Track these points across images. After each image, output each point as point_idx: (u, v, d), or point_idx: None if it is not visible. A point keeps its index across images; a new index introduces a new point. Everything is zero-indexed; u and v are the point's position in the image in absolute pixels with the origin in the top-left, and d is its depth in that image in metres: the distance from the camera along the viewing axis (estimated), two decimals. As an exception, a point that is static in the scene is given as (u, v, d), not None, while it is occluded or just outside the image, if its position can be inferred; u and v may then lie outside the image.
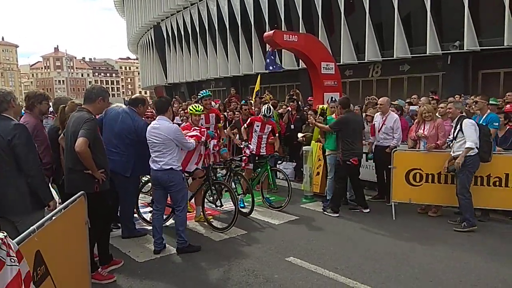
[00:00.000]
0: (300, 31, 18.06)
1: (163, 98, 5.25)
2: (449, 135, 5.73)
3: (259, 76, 12.87)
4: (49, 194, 3.36)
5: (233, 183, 6.45)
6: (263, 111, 6.78)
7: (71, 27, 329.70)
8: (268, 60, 10.45)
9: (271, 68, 10.65)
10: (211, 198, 6.05)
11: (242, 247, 4.94)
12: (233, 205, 5.69)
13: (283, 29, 18.52)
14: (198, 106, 5.85)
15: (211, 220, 5.79)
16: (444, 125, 6.03)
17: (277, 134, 7.03)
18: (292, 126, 8.71)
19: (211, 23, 25.61)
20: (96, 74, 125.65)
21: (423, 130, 6.13)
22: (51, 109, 5.31)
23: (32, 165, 3.21)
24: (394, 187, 6.08)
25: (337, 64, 10.83)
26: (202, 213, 5.57)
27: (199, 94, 6.83)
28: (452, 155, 5.51)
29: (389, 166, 6.18)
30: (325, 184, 7.26)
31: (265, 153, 6.84)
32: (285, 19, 19.95)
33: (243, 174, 6.60)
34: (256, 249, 4.85)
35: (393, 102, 7.49)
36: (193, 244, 4.81)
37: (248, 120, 7.02)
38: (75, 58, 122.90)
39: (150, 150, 4.64)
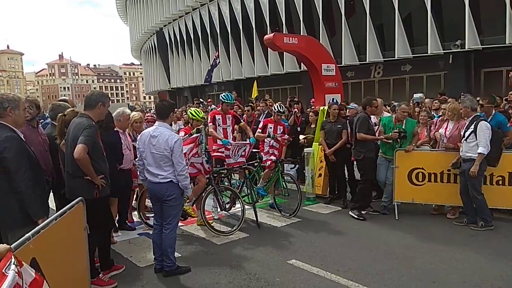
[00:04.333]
0: (301, 34, 18.08)
1: (165, 101, 4.63)
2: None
3: (255, 82, 13.02)
4: (39, 211, 3.14)
5: (246, 189, 6.34)
6: (276, 108, 6.78)
7: (75, 34, 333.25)
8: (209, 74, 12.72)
9: (207, 77, 12.94)
10: (228, 204, 6.01)
11: (244, 251, 4.93)
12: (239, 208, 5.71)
13: (284, 32, 18.56)
14: (200, 112, 5.86)
15: (212, 223, 5.79)
16: None
17: (287, 135, 6.93)
18: (299, 129, 8.56)
19: (213, 28, 25.71)
20: (101, 80, 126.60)
21: (446, 129, 6.01)
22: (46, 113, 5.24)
23: (21, 180, 3.04)
24: (397, 187, 6.05)
25: (339, 65, 10.85)
26: (202, 217, 5.55)
27: (221, 96, 6.46)
28: (461, 154, 5.44)
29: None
30: (327, 186, 7.26)
31: (278, 155, 6.75)
32: (286, 22, 19.97)
33: (265, 172, 6.44)
34: (258, 252, 4.84)
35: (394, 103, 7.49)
36: (181, 265, 4.38)
37: (261, 123, 6.99)
38: (80, 64, 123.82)
39: (144, 161, 4.21)
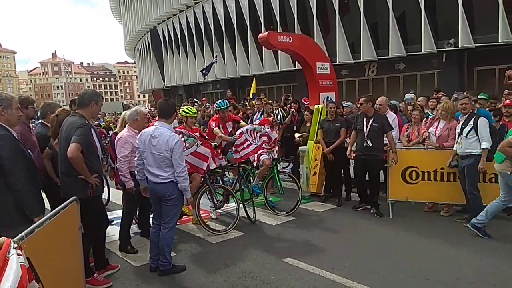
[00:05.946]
0: (296, 32, 18.10)
1: (169, 100, 4.49)
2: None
3: (254, 79, 13.03)
4: (35, 209, 3.14)
5: (238, 186, 6.28)
6: (278, 119, 6.55)
7: (69, 33, 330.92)
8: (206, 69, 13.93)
9: (205, 72, 14.30)
10: (221, 202, 5.95)
11: (239, 249, 4.93)
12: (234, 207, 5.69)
13: (278, 31, 18.56)
14: (192, 109, 5.84)
15: (207, 222, 5.77)
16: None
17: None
18: (295, 127, 8.39)
19: (207, 26, 25.65)
20: (95, 78, 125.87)
21: (436, 128, 6.01)
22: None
23: (17, 179, 3.02)
24: (391, 185, 6.08)
25: (333, 64, 10.86)
26: (197, 216, 5.54)
27: (215, 105, 6.44)
28: (458, 152, 5.45)
29: (385, 165, 6.17)
30: (322, 184, 7.28)
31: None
32: (280, 21, 19.99)
33: (260, 170, 6.31)
34: (253, 251, 4.84)
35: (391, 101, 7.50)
36: (176, 264, 4.36)
37: (258, 122, 6.97)
38: (73, 63, 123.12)
39: (145, 161, 4.17)
